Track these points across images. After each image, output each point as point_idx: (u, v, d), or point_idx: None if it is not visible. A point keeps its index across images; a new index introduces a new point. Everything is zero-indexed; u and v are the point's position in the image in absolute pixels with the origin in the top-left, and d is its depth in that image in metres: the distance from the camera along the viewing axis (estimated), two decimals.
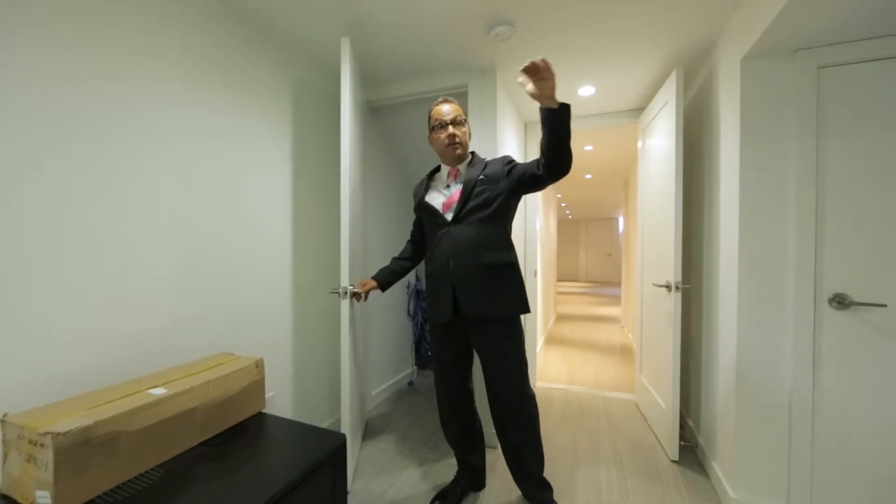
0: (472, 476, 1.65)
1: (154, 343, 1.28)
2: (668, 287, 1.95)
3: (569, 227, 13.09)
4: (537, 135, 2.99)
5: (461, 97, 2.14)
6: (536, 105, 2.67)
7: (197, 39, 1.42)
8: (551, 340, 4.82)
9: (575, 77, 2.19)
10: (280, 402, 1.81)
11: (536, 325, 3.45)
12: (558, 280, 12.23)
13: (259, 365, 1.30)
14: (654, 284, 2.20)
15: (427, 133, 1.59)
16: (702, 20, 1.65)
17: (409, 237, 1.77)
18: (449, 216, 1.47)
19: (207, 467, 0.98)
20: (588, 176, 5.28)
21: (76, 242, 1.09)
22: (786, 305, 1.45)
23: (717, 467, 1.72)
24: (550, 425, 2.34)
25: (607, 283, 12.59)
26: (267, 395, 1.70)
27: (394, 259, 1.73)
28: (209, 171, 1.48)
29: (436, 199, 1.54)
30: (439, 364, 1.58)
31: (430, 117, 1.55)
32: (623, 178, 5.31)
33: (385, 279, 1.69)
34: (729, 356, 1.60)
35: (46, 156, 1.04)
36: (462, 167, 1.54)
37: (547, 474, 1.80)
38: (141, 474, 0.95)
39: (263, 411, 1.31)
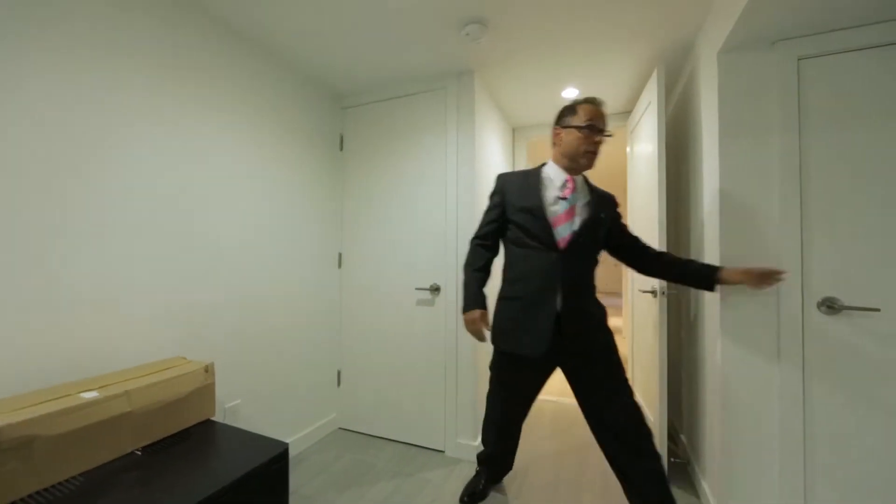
0: (495, 472, 1.67)
1: (108, 345, 1.24)
2: (653, 292, 1.86)
3: None
4: (526, 138, 2.95)
5: (438, 99, 2.12)
6: (526, 111, 2.68)
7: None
8: None
9: (557, 78, 2.15)
10: (247, 410, 1.75)
11: None
12: None
13: (209, 370, 1.25)
14: (640, 290, 2.11)
15: (555, 126, 1.37)
16: (679, 16, 1.60)
17: (478, 237, 1.45)
18: (557, 237, 1.27)
19: (133, 476, 0.93)
20: None
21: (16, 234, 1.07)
22: (772, 310, 1.36)
23: (706, 486, 1.61)
24: (538, 438, 2.24)
25: (612, 292, 12.39)
26: (231, 404, 1.65)
27: (473, 272, 1.41)
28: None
29: (548, 208, 1.30)
30: (506, 392, 1.47)
31: (574, 111, 1.31)
32: (621, 185, 5.22)
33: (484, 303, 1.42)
34: (714, 365, 1.50)
35: None
36: (579, 181, 1.36)
37: (528, 491, 1.71)
38: (61, 482, 0.89)
39: (213, 419, 1.26)
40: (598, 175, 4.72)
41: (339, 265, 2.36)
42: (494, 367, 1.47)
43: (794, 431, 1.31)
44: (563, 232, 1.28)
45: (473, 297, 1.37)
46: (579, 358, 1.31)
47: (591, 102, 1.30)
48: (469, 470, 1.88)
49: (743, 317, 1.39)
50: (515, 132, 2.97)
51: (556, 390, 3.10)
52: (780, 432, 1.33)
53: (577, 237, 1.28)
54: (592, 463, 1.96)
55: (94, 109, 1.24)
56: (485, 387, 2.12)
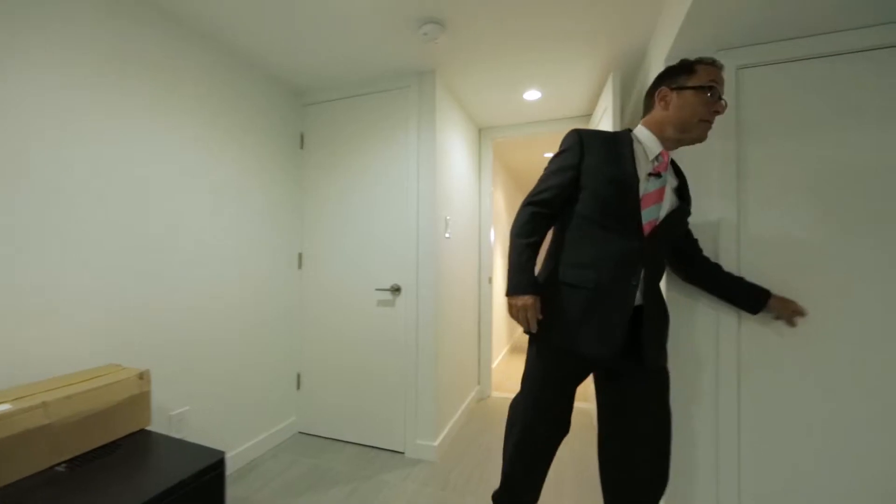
0: None
1: (40, 352, 1.16)
2: None
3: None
4: (492, 139, 2.96)
5: (400, 98, 2.10)
6: (491, 112, 2.69)
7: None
8: (517, 349, 4.75)
9: (519, 79, 2.17)
10: (197, 417, 1.68)
11: (492, 335, 3.39)
12: None
13: (144, 377, 1.19)
14: None
15: (665, 86, 1.10)
16: (631, 24, 1.64)
17: (536, 203, 1.14)
18: (643, 220, 1.06)
19: (49, 493, 0.87)
20: None
21: None
22: (710, 314, 1.41)
23: None
24: (497, 437, 2.26)
25: None
26: (177, 411, 1.58)
27: (527, 246, 1.12)
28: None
29: (641, 183, 1.07)
30: (552, 399, 1.16)
31: (693, 70, 1.07)
32: None
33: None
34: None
35: None
36: (669, 159, 1.14)
37: (484, 491, 1.71)
38: None
39: (150, 428, 1.20)
40: None
41: (300, 266, 2.31)
42: (539, 368, 1.16)
43: (729, 427, 1.37)
44: (649, 216, 1.06)
45: (528, 279, 1.10)
46: (635, 367, 1.11)
47: (713, 64, 1.06)
48: (428, 470, 1.88)
49: (688, 321, 1.44)
50: (482, 133, 2.98)
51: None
52: (717, 427, 1.39)
53: (664, 225, 1.08)
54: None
55: (33, 105, 1.15)
56: (447, 388, 2.14)
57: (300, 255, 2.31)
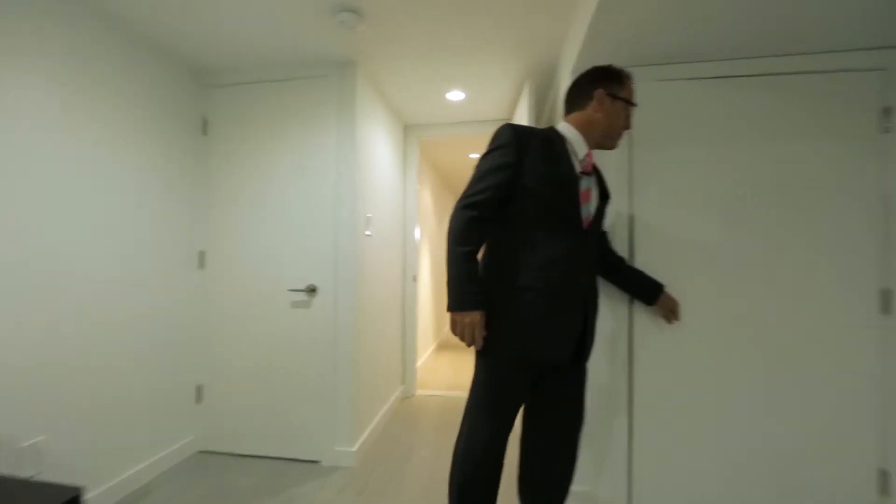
0: None
1: None
2: None
3: None
4: (418, 137, 2.95)
5: (319, 88, 1.99)
6: (417, 109, 2.68)
7: None
8: (444, 346, 4.84)
9: (443, 78, 2.18)
10: (59, 447, 1.41)
11: (417, 334, 3.40)
12: None
13: None
14: None
15: (603, 90, 1.10)
16: (543, 36, 1.74)
17: (474, 205, 1.04)
18: (582, 216, 1.08)
19: None
20: None
21: None
22: (612, 305, 1.56)
23: None
24: (420, 435, 2.27)
25: None
26: (29, 442, 1.32)
27: (466, 254, 1.03)
28: None
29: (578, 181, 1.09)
30: (506, 413, 1.09)
31: (622, 82, 1.11)
32: None
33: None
34: None
35: None
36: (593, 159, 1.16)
37: (404, 491, 1.70)
38: None
39: None
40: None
41: (202, 265, 2.07)
42: (496, 383, 1.08)
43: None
44: (585, 213, 1.08)
45: (471, 293, 1.01)
46: (569, 363, 1.13)
47: (630, 79, 1.13)
48: (346, 477, 1.81)
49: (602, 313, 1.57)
50: (407, 130, 2.96)
51: (446, 384, 3.20)
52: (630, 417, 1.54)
53: (595, 221, 1.12)
54: None
55: None
56: (368, 390, 2.07)
57: (202, 254, 2.07)
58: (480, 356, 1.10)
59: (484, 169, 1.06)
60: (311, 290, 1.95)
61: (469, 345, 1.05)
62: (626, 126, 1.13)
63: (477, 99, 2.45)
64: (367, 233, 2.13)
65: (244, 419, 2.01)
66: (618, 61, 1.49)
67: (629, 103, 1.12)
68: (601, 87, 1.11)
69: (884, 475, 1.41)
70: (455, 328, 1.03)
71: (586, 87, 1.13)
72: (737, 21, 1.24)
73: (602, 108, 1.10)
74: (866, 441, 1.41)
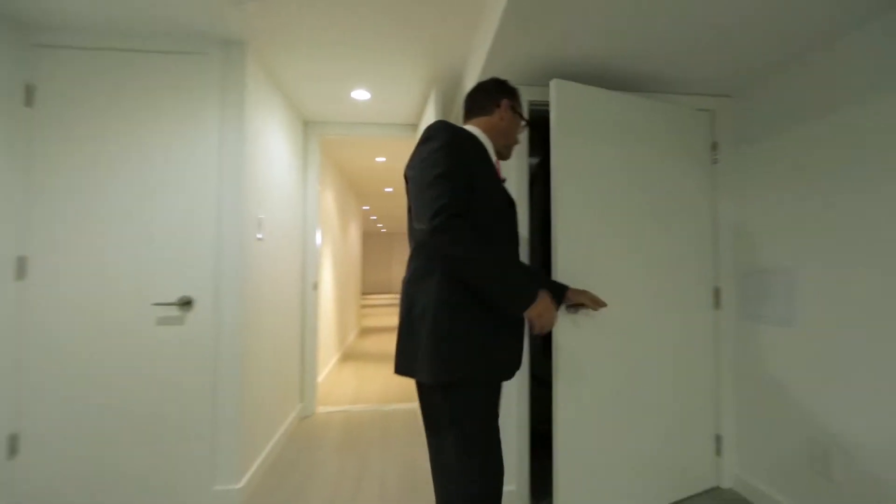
0: None
1: None
2: None
3: (381, 240, 13.41)
4: (319, 135, 2.75)
5: (195, 67, 1.70)
6: (318, 104, 2.48)
7: None
8: (349, 356, 4.60)
9: (347, 74, 2.05)
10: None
11: (318, 346, 3.17)
12: (366, 293, 12.24)
13: None
14: None
15: (507, 100, 1.13)
16: (447, 46, 1.76)
17: (458, 213, 0.88)
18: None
19: None
20: (388, 189, 5.40)
21: None
22: None
23: None
24: (321, 455, 2.07)
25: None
26: None
27: (480, 252, 0.90)
28: None
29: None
30: (496, 438, 1.00)
31: (518, 98, 1.18)
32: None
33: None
34: None
35: None
36: None
37: None
38: None
39: None
40: (398, 176, 4.94)
41: (21, 276, 1.58)
42: (488, 406, 0.99)
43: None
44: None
45: (522, 286, 0.95)
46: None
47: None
48: None
49: None
50: (308, 126, 2.73)
51: (350, 398, 3.02)
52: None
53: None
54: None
55: None
56: (257, 415, 1.79)
57: (21, 260, 1.59)
58: (455, 391, 0.94)
59: (440, 173, 0.91)
60: (186, 303, 1.64)
61: (549, 329, 1.00)
62: (517, 140, 1.19)
63: (383, 101, 2.39)
64: (259, 236, 1.89)
65: (81, 474, 1.57)
66: (518, 80, 1.59)
67: (523, 119, 1.18)
68: (506, 98, 1.13)
69: (718, 439, 1.74)
70: (534, 327, 0.98)
71: (494, 94, 1.13)
72: (612, 60, 1.44)
73: (506, 118, 1.12)
74: (707, 412, 1.72)
